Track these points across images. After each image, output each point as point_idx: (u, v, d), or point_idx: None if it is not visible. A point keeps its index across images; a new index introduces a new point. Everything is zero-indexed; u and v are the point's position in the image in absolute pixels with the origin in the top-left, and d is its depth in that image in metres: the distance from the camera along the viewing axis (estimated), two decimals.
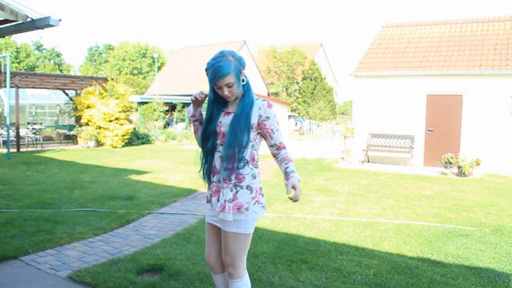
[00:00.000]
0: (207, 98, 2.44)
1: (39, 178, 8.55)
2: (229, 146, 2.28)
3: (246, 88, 2.36)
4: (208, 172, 2.41)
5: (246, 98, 2.34)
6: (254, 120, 2.33)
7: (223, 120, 2.36)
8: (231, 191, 2.30)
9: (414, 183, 8.95)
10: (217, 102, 2.38)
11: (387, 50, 13.29)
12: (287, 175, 2.33)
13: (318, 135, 23.36)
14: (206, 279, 3.46)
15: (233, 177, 2.30)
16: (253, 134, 2.34)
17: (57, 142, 17.55)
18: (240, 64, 2.29)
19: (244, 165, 2.32)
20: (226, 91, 2.26)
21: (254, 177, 2.34)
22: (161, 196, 6.87)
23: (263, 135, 2.38)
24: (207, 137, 2.40)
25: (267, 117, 2.33)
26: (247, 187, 2.31)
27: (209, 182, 2.41)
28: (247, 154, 2.33)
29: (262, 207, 2.39)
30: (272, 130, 2.35)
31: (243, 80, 2.31)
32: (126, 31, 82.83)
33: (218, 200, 2.34)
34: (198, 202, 6.68)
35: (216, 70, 2.21)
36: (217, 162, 2.36)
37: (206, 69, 2.29)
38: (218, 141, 2.36)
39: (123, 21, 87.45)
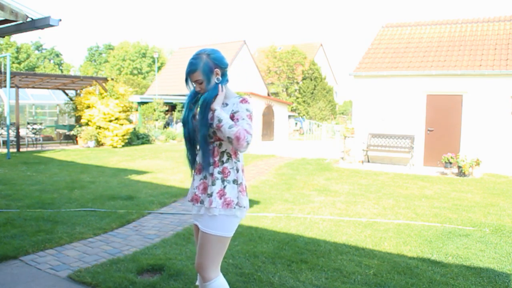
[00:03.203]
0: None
1: (39, 178, 8.55)
2: (202, 140, 2.35)
3: (214, 87, 2.36)
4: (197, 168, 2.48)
5: (209, 92, 2.36)
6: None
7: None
8: (220, 186, 2.32)
9: (414, 183, 8.95)
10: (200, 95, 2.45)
11: (387, 50, 13.29)
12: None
13: (318, 135, 23.37)
14: None
15: (216, 171, 2.33)
16: None
17: (57, 142, 17.54)
18: (216, 63, 2.34)
19: (228, 159, 2.36)
20: (197, 87, 2.40)
21: (237, 170, 2.38)
22: (161, 196, 6.87)
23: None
24: (194, 130, 2.46)
25: (237, 111, 2.35)
26: (234, 181, 2.35)
27: (196, 179, 2.46)
28: (229, 148, 2.36)
29: (244, 208, 2.38)
30: (237, 118, 2.33)
31: (217, 79, 2.36)
32: (126, 31, 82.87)
33: (208, 196, 2.33)
34: None
35: (187, 66, 2.37)
36: (199, 158, 2.43)
37: None
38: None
39: (123, 21, 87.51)
